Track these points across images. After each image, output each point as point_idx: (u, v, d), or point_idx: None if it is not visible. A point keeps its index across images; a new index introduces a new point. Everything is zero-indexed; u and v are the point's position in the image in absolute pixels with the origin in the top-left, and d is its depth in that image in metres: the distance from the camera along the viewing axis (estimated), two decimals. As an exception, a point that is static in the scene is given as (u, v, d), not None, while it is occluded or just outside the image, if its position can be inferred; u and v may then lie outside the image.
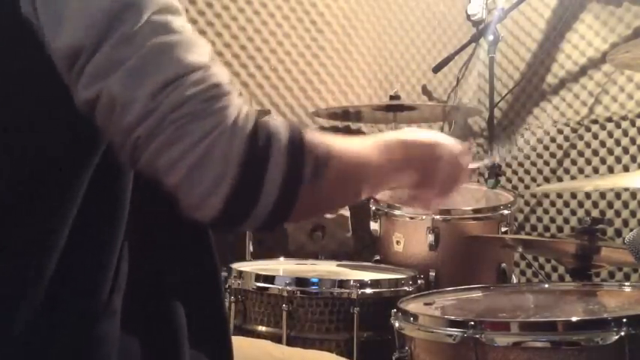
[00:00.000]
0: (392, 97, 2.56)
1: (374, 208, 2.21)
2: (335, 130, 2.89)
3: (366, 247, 2.60)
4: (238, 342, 1.08)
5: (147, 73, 0.68)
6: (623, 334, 1.14)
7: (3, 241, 0.73)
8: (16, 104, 0.72)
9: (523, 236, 2.78)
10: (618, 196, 2.75)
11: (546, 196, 2.99)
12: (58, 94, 0.72)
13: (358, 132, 2.99)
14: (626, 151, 2.76)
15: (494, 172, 2.45)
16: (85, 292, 0.76)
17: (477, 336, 1.21)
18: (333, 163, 0.76)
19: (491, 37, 2.81)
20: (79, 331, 0.75)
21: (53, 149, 0.74)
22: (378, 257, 2.21)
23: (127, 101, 0.67)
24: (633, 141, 2.74)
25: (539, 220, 3.05)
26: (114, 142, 0.72)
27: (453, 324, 1.27)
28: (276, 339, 1.70)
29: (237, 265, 1.92)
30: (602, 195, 2.80)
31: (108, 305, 0.77)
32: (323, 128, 2.87)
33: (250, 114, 0.72)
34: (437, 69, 3.01)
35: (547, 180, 3.02)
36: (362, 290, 1.74)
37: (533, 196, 3.06)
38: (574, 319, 1.25)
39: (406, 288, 1.82)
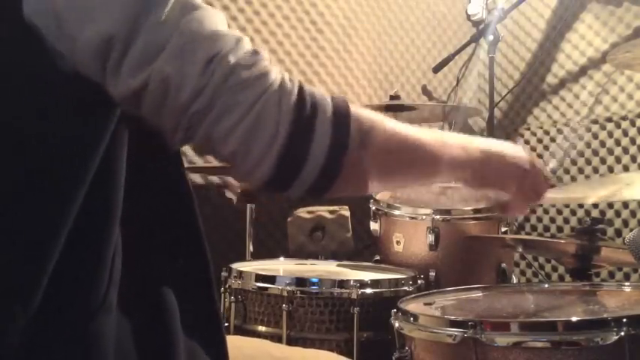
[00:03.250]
0: (392, 97, 2.56)
1: (374, 208, 2.21)
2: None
3: (366, 247, 2.60)
4: (237, 341, 1.08)
5: (191, 51, 0.70)
6: (623, 334, 1.14)
7: (4, 238, 0.73)
8: (18, 105, 0.72)
9: (523, 236, 2.78)
10: (618, 196, 2.75)
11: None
12: (59, 94, 0.72)
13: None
14: (626, 151, 2.76)
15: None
16: (84, 289, 0.76)
17: (477, 336, 1.21)
18: (376, 134, 0.80)
19: (491, 37, 2.81)
20: (78, 328, 0.75)
21: (55, 150, 0.73)
22: (378, 257, 2.21)
23: (180, 81, 0.70)
24: (633, 141, 2.74)
25: (539, 220, 3.05)
26: (165, 126, 0.73)
27: (453, 324, 1.27)
28: (276, 339, 1.70)
29: (237, 265, 1.91)
30: (602, 195, 2.80)
31: (105, 300, 0.77)
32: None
33: (294, 79, 0.76)
34: (437, 69, 3.01)
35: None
36: (362, 290, 1.73)
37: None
38: (574, 319, 1.24)
39: (406, 288, 1.82)
